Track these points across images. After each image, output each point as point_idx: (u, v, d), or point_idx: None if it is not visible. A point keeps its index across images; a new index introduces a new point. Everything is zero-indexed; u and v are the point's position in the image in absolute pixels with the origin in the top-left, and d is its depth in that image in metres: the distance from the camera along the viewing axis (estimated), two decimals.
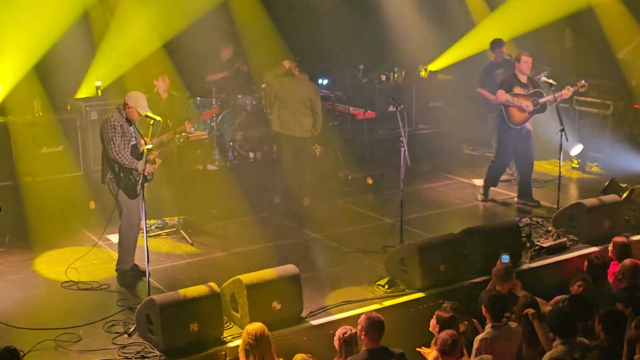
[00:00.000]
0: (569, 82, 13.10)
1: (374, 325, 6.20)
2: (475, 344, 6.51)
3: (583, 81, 10.88)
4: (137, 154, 8.11)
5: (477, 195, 11.16)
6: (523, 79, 10.70)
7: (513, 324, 6.73)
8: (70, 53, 11.23)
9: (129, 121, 8.10)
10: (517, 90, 10.63)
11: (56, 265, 8.79)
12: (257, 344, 6.08)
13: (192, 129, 10.17)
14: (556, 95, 10.50)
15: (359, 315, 7.32)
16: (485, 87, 11.84)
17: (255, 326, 6.20)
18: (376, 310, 7.37)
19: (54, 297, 8.03)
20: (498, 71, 11.93)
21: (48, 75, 10.96)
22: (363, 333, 6.23)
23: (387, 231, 9.47)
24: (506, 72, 11.71)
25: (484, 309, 6.76)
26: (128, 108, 8.05)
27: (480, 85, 12.01)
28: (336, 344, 6.44)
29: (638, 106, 12.70)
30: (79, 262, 8.68)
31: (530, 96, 10.63)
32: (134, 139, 8.14)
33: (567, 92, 10.67)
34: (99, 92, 11.02)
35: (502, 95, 10.59)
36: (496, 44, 12.02)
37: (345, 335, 6.40)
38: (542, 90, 10.75)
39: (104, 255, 8.87)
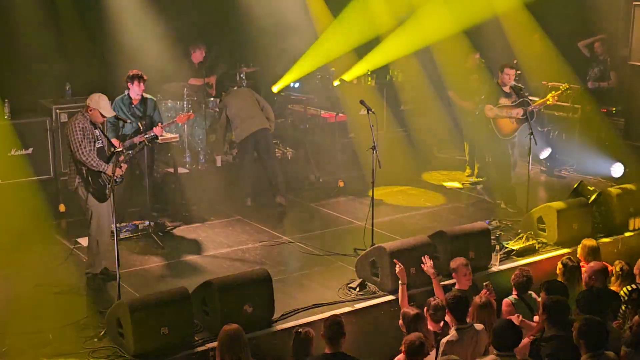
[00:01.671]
0: (537, 86, 13.35)
1: (333, 326, 6.18)
2: (441, 347, 6.49)
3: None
4: (103, 156, 8.07)
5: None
6: (506, 88, 10.78)
7: (479, 326, 6.68)
8: (40, 54, 11.15)
9: (94, 124, 8.06)
10: (502, 101, 10.69)
11: (26, 268, 8.72)
12: (233, 344, 6.07)
13: (164, 132, 10.14)
14: (540, 103, 10.82)
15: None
16: (458, 92, 11.93)
17: (232, 327, 6.19)
18: (347, 313, 7.43)
19: (24, 300, 7.96)
20: (473, 77, 12.02)
21: (17, 77, 10.88)
22: (322, 335, 6.23)
23: (358, 234, 9.49)
24: (480, 78, 11.82)
25: (447, 312, 6.79)
26: (90, 110, 8.01)
27: (452, 90, 12.11)
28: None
29: (605, 110, 12.87)
30: (49, 265, 8.64)
31: (517, 106, 10.68)
32: (99, 141, 8.10)
33: (553, 99, 10.91)
34: (70, 94, 10.95)
35: (490, 111, 10.64)
36: (470, 50, 12.11)
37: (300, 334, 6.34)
38: (527, 98, 10.82)
39: (74, 258, 8.81)
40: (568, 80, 13.22)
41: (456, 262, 7.73)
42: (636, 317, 6.39)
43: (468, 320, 6.68)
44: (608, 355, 6.06)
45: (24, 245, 9.30)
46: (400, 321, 6.81)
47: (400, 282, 7.58)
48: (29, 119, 10.63)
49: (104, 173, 7.97)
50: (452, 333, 6.58)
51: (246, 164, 11.02)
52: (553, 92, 11.10)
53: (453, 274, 7.74)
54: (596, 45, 13.39)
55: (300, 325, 7.02)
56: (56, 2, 11.36)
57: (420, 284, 7.97)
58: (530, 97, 11.00)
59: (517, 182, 11.12)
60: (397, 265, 7.68)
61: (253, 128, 10.85)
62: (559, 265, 7.92)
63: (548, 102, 11.06)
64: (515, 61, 12.25)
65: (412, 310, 6.77)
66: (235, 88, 11.41)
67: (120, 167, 8.12)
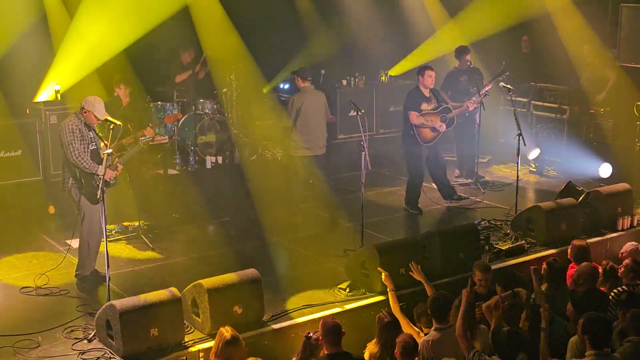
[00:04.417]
0: (525, 87, 13.41)
1: (331, 330, 6.17)
2: (420, 347, 6.47)
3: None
4: (97, 158, 8.07)
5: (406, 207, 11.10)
6: (426, 92, 10.82)
7: None
8: (29, 56, 11.12)
9: (88, 126, 8.07)
10: (424, 106, 10.75)
11: (15, 271, 8.72)
12: (227, 346, 6.07)
13: (156, 132, 10.13)
14: (461, 109, 11.02)
15: (320, 319, 7.40)
16: (448, 93, 11.95)
17: (229, 329, 6.20)
18: (337, 314, 7.44)
19: (13, 302, 7.95)
20: (462, 78, 12.04)
21: (6, 79, 10.85)
22: (321, 338, 6.24)
23: (348, 235, 9.52)
24: (469, 80, 11.85)
25: (427, 311, 6.80)
26: (85, 112, 8.02)
27: (443, 91, 12.12)
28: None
29: (593, 111, 12.93)
30: (38, 267, 8.64)
31: (439, 113, 10.81)
32: (93, 143, 8.10)
33: (471, 104, 11.19)
34: (59, 96, 10.94)
35: (416, 119, 10.65)
36: (462, 51, 12.09)
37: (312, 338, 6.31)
38: (448, 105, 10.97)
39: (64, 260, 8.79)
40: (556, 81, 13.33)
41: (476, 264, 7.71)
42: None
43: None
44: (614, 356, 6.11)
45: (13, 248, 9.29)
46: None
47: (388, 289, 7.60)
48: (18, 120, 10.60)
49: (97, 175, 7.96)
50: (432, 333, 6.60)
51: (298, 182, 10.55)
52: (473, 97, 11.32)
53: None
54: (585, 48, 13.43)
55: (287, 329, 7.07)
56: (45, 4, 11.33)
57: (410, 284, 7.99)
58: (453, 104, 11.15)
59: (505, 183, 11.10)
60: (383, 274, 7.70)
61: (317, 152, 10.32)
62: (544, 265, 7.95)
63: (469, 108, 11.25)
64: (504, 62, 12.30)
65: (385, 317, 6.66)
66: (307, 85, 10.29)
67: (116, 168, 8.15)
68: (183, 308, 7.05)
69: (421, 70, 10.83)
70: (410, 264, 7.90)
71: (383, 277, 7.67)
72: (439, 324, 6.63)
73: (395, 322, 6.63)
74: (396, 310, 7.37)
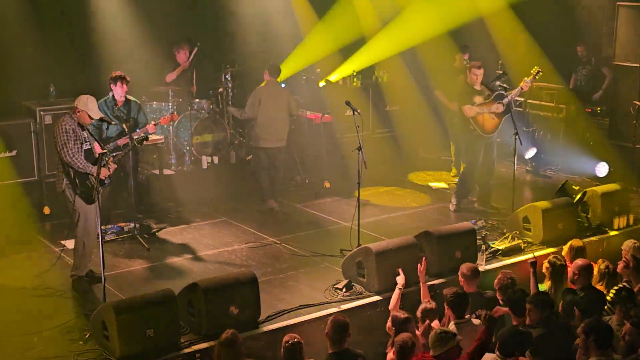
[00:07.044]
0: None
1: (338, 328, 6.22)
2: None
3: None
4: (91, 158, 8.04)
5: (450, 205, 10.99)
6: (477, 86, 10.64)
7: (476, 321, 6.78)
8: (24, 56, 11.09)
9: (81, 125, 8.03)
10: (477, 99, 10.53)
11: (10, 271, 8.68)
12: (225, 350, 6.05)
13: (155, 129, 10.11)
14: (515, 92, 10.66)
15: (316, 319, 7.40)
16: (445, 93, 11.93)
17: (227, 333, 6.18)
18: (334, 314, 7.41)
19: (8, 304, 7.91)
20: (459, 77, 12.02)
21: (0, 79, 10.82)
22: (327, 334, 6.27)
23: (344, 234, 9.49)
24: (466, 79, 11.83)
25: (446, 307, 6.88)
26: (78, 112, 7.98)
27: (439, 89, 12.11)
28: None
29: (590, 110, 12.93)
30: (33, 268, 8.60)
31: (493, 101, 10.56)
32: (87, 143, 8.06)
33: (526, 85, 10.65)
34: (54, 96, 10.90)
35: (469, 110, 10.46)
36: (461, 48, 12.08)
37: (287, 344, 6.25)
38: (502, 91, 10.71)
39: (59, 261, 8.77)
40: (552, 80, 13.32)
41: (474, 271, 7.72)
42: (627, 325, 6.40)
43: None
44: (616, 358, 6.12)
45: (8, 248, 9.26)
46: (389, 324, 6.81)
47: (398, 286, 7.62)
48: (12, 120, 10.57)
49: (91, 175, 7.93)
50: (451, 327, 6.68)
51: (262, 171, 10.85)
52: (525, 77, 10.94)
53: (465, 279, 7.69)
54: (579, 49, 13.44)
55: (283, 329, 7.05)
56: (40, 3, 11.30)
57: (407, 284, 7.96)
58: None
59: (501, 182, 11.13)
60: (402, 277, 7.72)
61: (277, 144, 10.76)
62: (546, 264, 7.95)
63: (523, 89, 10.81)
64: (500, 62, 12.29)
65: (402, 315, 6.78)
66: (271, 80, 10.82)
67: (109, 168, 8.12)
68: (179, 309, 7.02)
69: (469, 68, 10.74)
70: (422, 260, 7.89)
71: (400, 281, 7.70)
72: (457, 318, 6.75)
73: (410, 317, 6.75)
74: (396, 308, 7.43)
